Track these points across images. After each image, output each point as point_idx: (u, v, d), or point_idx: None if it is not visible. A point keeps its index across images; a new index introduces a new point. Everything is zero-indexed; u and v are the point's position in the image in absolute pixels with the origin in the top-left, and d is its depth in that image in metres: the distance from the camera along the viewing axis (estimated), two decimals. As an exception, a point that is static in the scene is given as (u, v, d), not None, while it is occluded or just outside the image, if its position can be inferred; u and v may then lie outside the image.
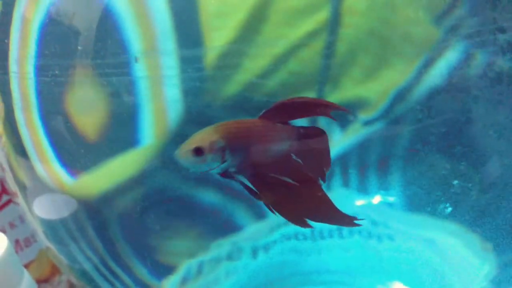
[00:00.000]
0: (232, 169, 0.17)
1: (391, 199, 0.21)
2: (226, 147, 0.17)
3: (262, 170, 0.17)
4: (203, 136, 0.17)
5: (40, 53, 0.20)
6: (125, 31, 0.19)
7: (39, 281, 0.38)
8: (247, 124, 0.17)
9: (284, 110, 0.17)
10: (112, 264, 0.24)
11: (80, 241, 0.23)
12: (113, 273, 0.24)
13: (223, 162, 0.17)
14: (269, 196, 0.17)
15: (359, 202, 0.22)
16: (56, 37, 0.20)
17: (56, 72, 0.20)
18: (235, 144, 0.17)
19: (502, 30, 0.19)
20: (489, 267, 0.22)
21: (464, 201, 0.21)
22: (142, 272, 0.23)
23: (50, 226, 0.25)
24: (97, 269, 0.24)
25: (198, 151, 0.16)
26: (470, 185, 0.20)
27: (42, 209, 0.24)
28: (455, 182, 0.20)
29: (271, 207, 0.18)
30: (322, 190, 0.17)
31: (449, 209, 0.21)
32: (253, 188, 0.17)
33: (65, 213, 0.23)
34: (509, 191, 0.21)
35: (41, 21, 0.20)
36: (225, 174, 0.17)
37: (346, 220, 0.18)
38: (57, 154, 0.22)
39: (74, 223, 0.23)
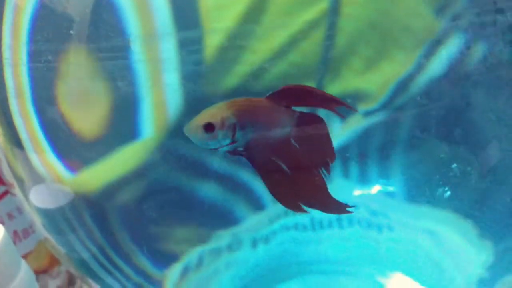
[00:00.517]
0: (240, 148, 0.17)
1: (390, 188, 0.21)
2: (237, 124, 0.16)
3: (265, 152, 0.17)
4: (215, 112, 0.16)
5: (33, 39, 0.20)
6: (122, 18, 0.19)
7: (38, 272, 0.38)
8: (257, 102, 0.17)
9: (291, 94, 0.17)
10: (111, 254, 0.23)
11: (78, 231, 0.23)
12: (112, 262, 0.24)
13: (233, 140, 0.16)
14: (268, 178, 0.17)
15: (359, 192, 0.22)
16: (50, 22, 0.20)
17: (49, 57, 0.20)
18: (246, 122, 0.17)
19: (501, 11, 0.19)
20: (486, 255, 0.22)
21: (463, 185, 0.21)
22: (142, 262, 0.23)
23: (48, 216, 0.24)
24: (96, 259, 0.24)
25: (209, 127, 0.16)
26: (469, 169, 0.20)
27: (39, 198, 0.24)
28: (454, 166, 0.20)
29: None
30: (321, 177, 0.17)
31: (448, 193, 0.21)
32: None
33: (62, 202, 0.23)
34: (508, 176, 0.21)
35: (34, 7, 0.20)
36: (233, 152, 0.17)
37: (340, 208, 0.18)
38: (51, 144, 0.21)
39: (72, 212, 0.23)
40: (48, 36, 0.20)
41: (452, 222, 0.21)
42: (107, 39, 0.19)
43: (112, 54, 0.19)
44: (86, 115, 0.20)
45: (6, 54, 0.21)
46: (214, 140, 0.16)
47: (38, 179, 0.23)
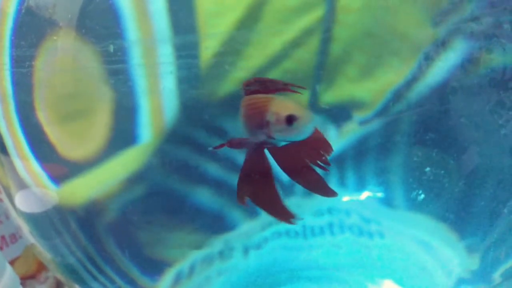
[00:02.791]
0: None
1: (378, 195, 0.21)
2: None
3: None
4: (293, 105, 0.16)
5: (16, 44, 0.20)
6: (122, 21, 0.19)
7: (25, 277, 0.38)
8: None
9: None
10: (98, 260, 0.23)
11: (64, 235, 0.23)
12: (99, 268, 0.23)
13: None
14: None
15: (350, 198, 0.22)
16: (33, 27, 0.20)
17: (33, 63, 0.20)
18: None
19: (476, 19, 0.19)
20: (467, 258, 0.22)
21: (442, 190, 0.21)
22: (130, 268, 0.23)
23: (33, 221, 0.24)
24: (83, 265, 0.24)
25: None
26: (443, 172, 0.20)
27: (25, 203, 0.24)
28: (428, 169, 0.20)
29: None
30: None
31: (424, 197, 0.21)
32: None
33: (48, 206, 0.23)
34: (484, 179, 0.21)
35: (17, 11, 0.20)
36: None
37: (285, 216, 0.18)
38: (34, 151, 0.21)
39: (57, 217, 0.23)
40: (32, 42, 0.20)
41: (436, 227, 0.22)
42: (93, 44, 0.19)
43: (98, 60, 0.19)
44: (72, 124, 0.20)
45: None
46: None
47: (23, 184, 0.23)
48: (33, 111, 0.20)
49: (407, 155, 0.20)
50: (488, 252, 0.22)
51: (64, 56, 0.19)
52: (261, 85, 0.18)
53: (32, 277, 0.39)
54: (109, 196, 0.21)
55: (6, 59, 0.20)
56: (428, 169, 0.20)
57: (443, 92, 0.19)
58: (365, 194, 0.21)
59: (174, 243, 0.22)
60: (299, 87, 0.18)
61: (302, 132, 0.16)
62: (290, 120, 0.16)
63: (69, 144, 0.21)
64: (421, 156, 0.20)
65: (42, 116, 0.20)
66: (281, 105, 0.16)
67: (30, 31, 0.20)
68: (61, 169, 0.21)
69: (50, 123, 0.20)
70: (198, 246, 0.22)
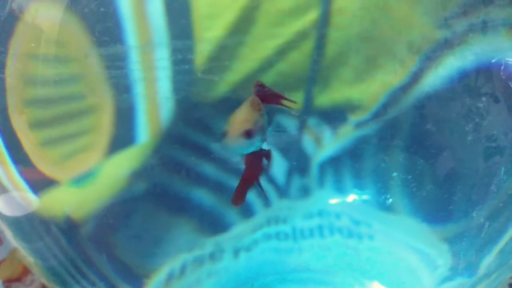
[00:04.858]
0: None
1: (364, 197, 0.21)
2: (264, 124, 0.17)
3: None
4: (248, 117, 0.16)
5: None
6: (123, 26, 0.19)
7: (11, 280, 0.37)
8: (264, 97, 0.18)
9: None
10: (80, 263, 0.23)
11: (46, 239, 0.23)
12: (81, 272, 0.23)
13: (265, 139, 0.17)
14: None
15: (336, 201, 0.22)
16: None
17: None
18: (270, 120, 0.17)
19: (448, 27, 0.19)
20: (447, 257, 0.23)
21: (422, 193, 0.21)
22: (112, 275, 0.23)
23: (15, 224, 0.24)
24: (65, 268, 0.23)
25: (248, 133, 0.16)
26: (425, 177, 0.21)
27: (6, 207, 0.23)
28: (410, 176, 0.21)
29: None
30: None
31: (407, 200, 0.21)
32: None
33: (29, 210, 0.22)
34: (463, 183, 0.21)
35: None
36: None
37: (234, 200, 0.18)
38: (12, 156, 0.21)
39: (39, 220, 0.22)
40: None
41: (423, 230, 0.22)
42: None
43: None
44: (52, 132, 0.20)
45: None
46: (253, 144, 0.16)
47: (3, 189, 0.22)
48: (9, 116, 0.20)
49: (400, 158, 0.20)
50: (469, 250, 0.23)
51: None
52: (259, 91, 0.18)
53: (18, 280, 0.38)
54: (95, 199, 0.21)
55: None
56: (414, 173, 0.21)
57: (437, 96, 0.19)
58: (354, 197, 0.22)
59: (165, 245, 0.22)
60: (290, 101, 0.18)
61: (233, 148, 0.16)
62: (223, 135, 0.16)
63: (53, 150, 0.20)
64: (411, 160, 0.20)
65: (22, 120, 0.20)
66: (231, 118, 0.17)
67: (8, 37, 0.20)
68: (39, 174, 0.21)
69: (32, 127, 0.20)
70: (189, 248, 0.22)
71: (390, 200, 0.21)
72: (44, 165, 0.21)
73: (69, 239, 0.22)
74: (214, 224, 0.21)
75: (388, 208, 0.22)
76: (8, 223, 0.24)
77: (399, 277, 0.23)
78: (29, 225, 0.23)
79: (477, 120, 0.20)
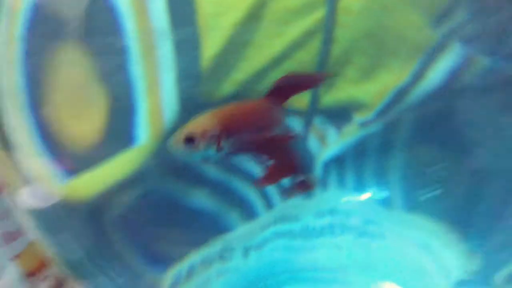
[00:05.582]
0: (229, 153, 0.17)
1: (379, 196, 0.21)
2: (222, 134, 0.16)
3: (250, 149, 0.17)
4: (198, 124, 0.16)
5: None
6: (122, 25, 0.19)
7: (26, 275, 0.38)
8: (247, 108, 0.17)
9: (284, 87, 0.17)
10: (103, 254, 0.23)
11: (71, 229, 0.23)
12: (104, 263, 0.24)
13: (220, 149, 0.16)
14: None
15: (353, 199, 0.22)
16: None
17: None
18: (232, 131, 0.16)
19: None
20: (467, 259, 0.22)
21: (447, 191, 0.21)
22: (135, 264, 0.23)
23: (37, 216, 0.24)
24: (90, 259, 0.24)
25: (189, 140, 0.16)
26: (445, 173, 0.20)
27: (31, 198, 0.24)
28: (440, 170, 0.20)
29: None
30: None
31: (423, 197, 0.21)
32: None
33: (52, 201, 0.23)
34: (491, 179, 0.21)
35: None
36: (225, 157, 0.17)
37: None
38: (42, 148, 0.21)
39: (63, 212, 0.23)
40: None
41: (437, 229, 0.22)
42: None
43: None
44: (79, 120, 0.20)
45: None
46: (197, 152, 0.16)
47: (27, 181, 0.23)
48: (39, 107, 0.20)
49: (408, 155, 0.20)
50: (490, 254, 0.22)
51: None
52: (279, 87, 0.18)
53: (32, 274, 0.39)
54: (112, 193, 0.21)
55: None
56: (430, 170, 0.20)
57: (443, 92, 0.19)
58: (366, 195, 0.21)
59: (177, 242, 0.22)
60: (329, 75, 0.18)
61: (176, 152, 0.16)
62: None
63: (73, 139, 0.21)
64: (423, 157, 0.20)
65: (47, 112, 0.20)
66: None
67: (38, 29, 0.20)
68: (66, 164, 0.21)
69: (54, 120, 0.20)
70: (198, 247, 0.22)
71: (400, 199, 0.21)
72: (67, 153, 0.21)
73: (94, 228, 0.22)
74: (220, 224, 0.21)
75: (399, 208, 0.21)
76: (33, 216, 0.25)
77: (411, 277, 0.23)
78: (54, 216, 0.23)
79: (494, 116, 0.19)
